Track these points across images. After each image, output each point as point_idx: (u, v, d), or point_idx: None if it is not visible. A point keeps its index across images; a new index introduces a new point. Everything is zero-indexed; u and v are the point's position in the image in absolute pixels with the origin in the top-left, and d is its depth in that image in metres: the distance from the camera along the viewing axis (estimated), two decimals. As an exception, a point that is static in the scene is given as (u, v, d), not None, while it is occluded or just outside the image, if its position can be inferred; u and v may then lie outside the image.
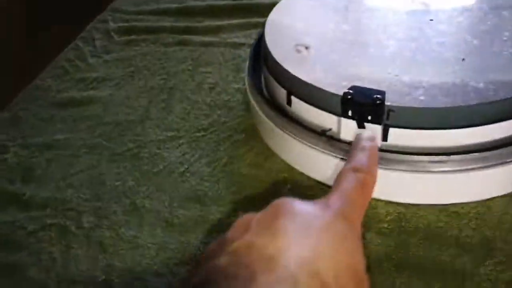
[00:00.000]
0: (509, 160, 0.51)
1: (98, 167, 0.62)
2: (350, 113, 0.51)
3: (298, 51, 0.60)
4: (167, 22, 0.87)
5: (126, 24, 0.87)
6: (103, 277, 0.50)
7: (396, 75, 0.55)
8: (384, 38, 0.61)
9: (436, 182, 0.52)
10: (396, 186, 0.53)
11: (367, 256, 0.49)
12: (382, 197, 0.54)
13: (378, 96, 0.50)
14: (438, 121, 0.51)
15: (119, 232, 0.54)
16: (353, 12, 0.66)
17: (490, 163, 0.51)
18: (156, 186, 0.59)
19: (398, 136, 0.52)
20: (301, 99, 0.56)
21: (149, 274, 0.50)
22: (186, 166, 0.61)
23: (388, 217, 0.53)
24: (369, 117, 0.51)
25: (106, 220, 0.55)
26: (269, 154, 0.61)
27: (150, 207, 0.56)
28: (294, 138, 0.56)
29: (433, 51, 0.58)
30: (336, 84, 0.53)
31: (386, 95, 0.51)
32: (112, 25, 0.88)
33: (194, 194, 0.57)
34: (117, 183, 0.60)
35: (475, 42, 0.59)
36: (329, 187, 0.56)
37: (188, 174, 0.60)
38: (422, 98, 0.51)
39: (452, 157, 0.51)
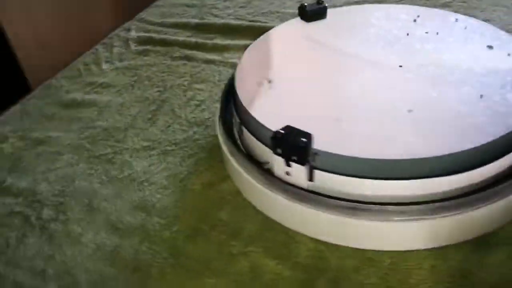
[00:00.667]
0: (427, 216, 0.52)
1: (74, 167, 0.69)
2: (279, 151, 0.54)
3: (260, 84, 0.63)
4: (182, 36, 0.93)
5: (145, 35, 0.94)
6: (42, 266, 0.56)
7: (337, 120, 0.57)
8: (344, 82, 0.62)
9: (354, 227, 0.54)
10: (320, 226, 0.55)
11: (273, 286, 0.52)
12: (308, 234, 0.56)
13: (304, 139, 0.52)
14: (361, 170, 0.52)
15: (69, 228, 0.60)
16: (328, 54, 0.68)
17: (408, 217, 0.52)
18: (116, 191, 0.65)
19: (324, 179, 0.54)
20: (247, 130, 0.60)
21: (79, 270, 0.56)
22: (147, 176, 0.66)
23: (307, 253, 0.55)
24: (295, 158, 0.53)
25: (63, 216, 0.62)
26: (224, 176, 0.65)
27: (103, 209, 0.62)
28: (239, 166, 0.60)
29: (386, 100, 0.59)
30: (276, 121, 0.56)
31: (318, 138, 0.53)
32: (133, 34, 0.95)
33: (143, 204, 0.62)
34: (84, 183, 0.66)
35: (434, 94, 0.59)
36: (264, 216, 0.59)
37: (146, 184, 0.65)
38: (350, 146, 0.53)
39: (370, 206, 0.52)
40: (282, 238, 0.57)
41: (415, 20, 0.72)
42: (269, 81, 0.63)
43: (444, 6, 0.92)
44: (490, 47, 0.64)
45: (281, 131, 0.54)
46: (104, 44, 0.94)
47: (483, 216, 0.53)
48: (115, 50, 0.92)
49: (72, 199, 0.64)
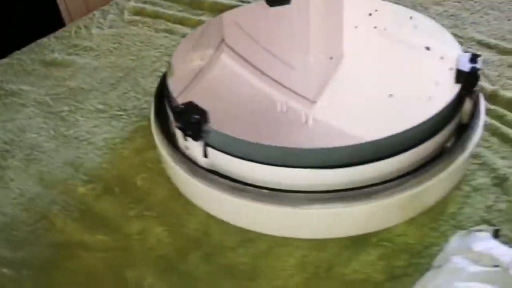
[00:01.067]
0: (305, 206, 0.52)
1: (31, 120, 0.75)
2: (178, 124, 0.57)
3: (193, 60, 0.66)
4: (173, 10, 0.96)
5: (140, 5, 0.98)
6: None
7: (243, 103, 0.58)
8: (268, 70, 0.63)
9: (237, 207, 0.55)
10: (210, 201, 0.58)
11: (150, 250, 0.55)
12: (203, 208, 0.59)
13: (197, 116, 0.55)
14: (246, 153, 0.54)
15: (4, 173, 0.67)
16: (267, 41, 0.68)
17: (285, 204, 0.53)
18: (57, 146, 0.70)
19: (216, 157, 0.56)
20: (167, 100, 0.63)
21: (-4, 210, 0.62)
22: (89, 136, 0.71)
23: (195, 225, 0.58)
24: (190, 133, 0.56)
25: (4, 162, 0.68)
26: (154, 145, 0.68)
27: (39, 161, 0.68)
28: (156, 136, 0.63)
29: (296, 89, 0.59)
30: (188, 96, 0.58)
31: (218, 117, 0.55)
32: (131, 4, 0.99)
33: (75, 161, 0.67)
34: (33, 135, 0.72)
35: (346, 88, 0.59)
36: (173, 186, 0.62)
37: (85, 143, 0.70)
38: (240, 128, 0.54)
39: (250, 188, 0.54)
40: (179, 208, 0.60)
41: (371, 14, 0.70)
42: (202, 59, 0.66)
43: (436, 4, 0.89)
44: (427, 48, 0.63)
45: (181, 105, 0.57)
46: (102, 10, 0.99)
47: (362, 214, 0.53)
48: (109, 17, 0.96)
49: (17, 148, 0.70)
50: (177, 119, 0.57)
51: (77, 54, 0.88)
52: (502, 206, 0.56)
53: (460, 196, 0.58)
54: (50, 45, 0.91)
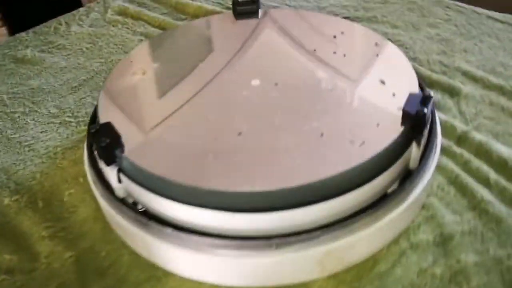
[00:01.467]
0: (207, 250, 0.48)
1: (-16, 119, 0.73)
2: (94, 145, 0.53)
3: (133, 74, 0.62)
4: (156, 13, 0.93)
5: (125, 5, 0.95)
6: None
7: (162, 129, 0.54)
8: (205, 93, 0.58)
9: (143, 240, 0.51)
10: (122, 230, 0.54)
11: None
12: (119, 235, 0.55)
13: (107, 140, 0.50)
14: (151, 185, 0.50)
15: None
16: (215, 59, 0.64)
17: (182, 244, 0.48)
18: (1, 149, 0.68)
19: (127, 184, 0.52)
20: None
21: None
22: (33, 142, 0.68)
23: (105, 253, 0.54)
24: (102, 155, 0.52)
25: None
26: (93, 158, 0.65)
27: (-22, 164, 0.66)
28: (85, 150, 0.60)
29: (225, 117, 0.55)
30: (111, 117, 0.54)
31: (136, 143, 0.51)
32: (116, 3, 0.96)
33: (11, 167, 0.65)
34: (-19, 137, 0.70)
35: (277, 121, 0.53)
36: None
37: (27, 149, 0.67)
38: (151, 160, 0.50)
39: (153, 223, 0.49)
40: (97, 232, 0.56)
41: (335, 36, 0.64)
42: (143, 73, 0.62)
43: (430, 25, 0.82)
44: (382, 82, 0.56)
45: (97, 125, 0.53)
46: (88, 7, 0.96)
47: (272, 266, 0.48)
48: (92, 15, 0.94)
49: (-37, 148, 0.69)
50: (92, 141, 0.53)
51: (49, 52, 0.86)
52: (438, 271, 0.49)
53: (395, 253, 0.51)
54: (27, 41, 0.89)
